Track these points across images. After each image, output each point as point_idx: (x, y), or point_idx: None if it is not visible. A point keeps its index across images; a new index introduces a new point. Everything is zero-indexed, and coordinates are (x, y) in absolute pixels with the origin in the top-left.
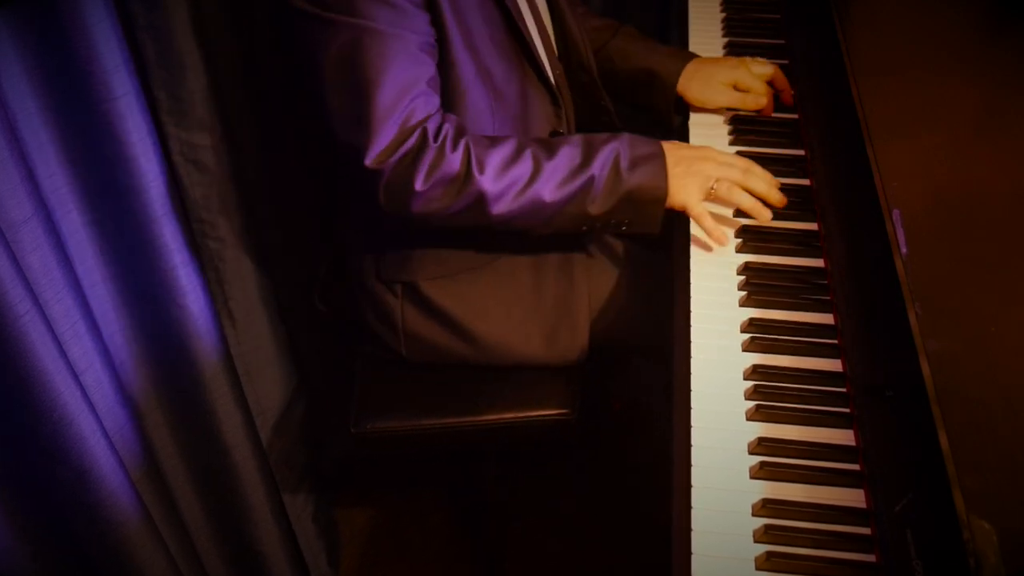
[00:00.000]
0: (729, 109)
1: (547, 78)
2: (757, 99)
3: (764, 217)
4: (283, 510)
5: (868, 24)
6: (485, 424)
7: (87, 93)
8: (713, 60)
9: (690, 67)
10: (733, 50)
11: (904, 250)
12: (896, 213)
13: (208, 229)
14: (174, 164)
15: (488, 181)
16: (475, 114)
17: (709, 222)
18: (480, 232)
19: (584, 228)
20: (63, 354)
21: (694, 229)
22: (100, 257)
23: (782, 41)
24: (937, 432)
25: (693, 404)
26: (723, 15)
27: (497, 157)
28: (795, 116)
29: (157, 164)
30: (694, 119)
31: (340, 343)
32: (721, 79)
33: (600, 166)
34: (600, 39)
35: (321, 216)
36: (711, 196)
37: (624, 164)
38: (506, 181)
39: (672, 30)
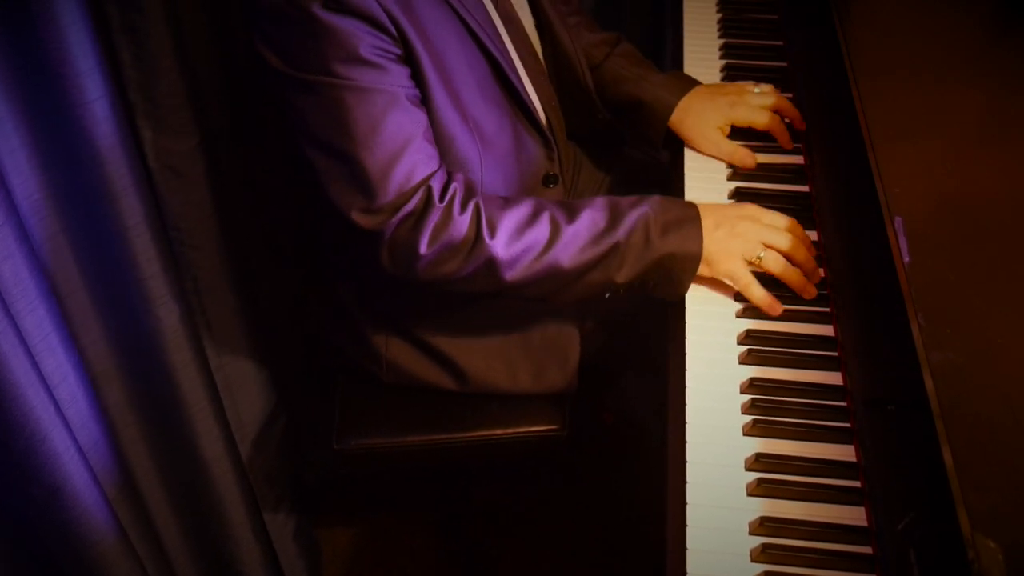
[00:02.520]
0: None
1: (539, 122)
2: (745, 157)
3: (809, 295)
4: (263, 528)
5: (869, 24)
6: (472, 441)
7: (60, 96)
8: (709, 95)
9: (684, 102)
10: (729, 51)
11: (906, 259)
12: (898, 220)
13: (186, 237)
14: (150, 170)
15: (500, 246)
16: (462, 165)
17: (759, 291)
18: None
19: (607, 295)
20: (36, 367)
21: None
22: (74, 266)
23: (780, 42)
24: (941, 447)
25: (688, 418)
26: (719, 15)
27: (511, 220)
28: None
29: (133, 170)
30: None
31: (323, 357)
32: (715, 122)
33: (627, 231)
34: (594, 57)
35: (303, 227)
36: (754, 264)
37: (655, 229)
38: (520, 246)
39: (667, 31)
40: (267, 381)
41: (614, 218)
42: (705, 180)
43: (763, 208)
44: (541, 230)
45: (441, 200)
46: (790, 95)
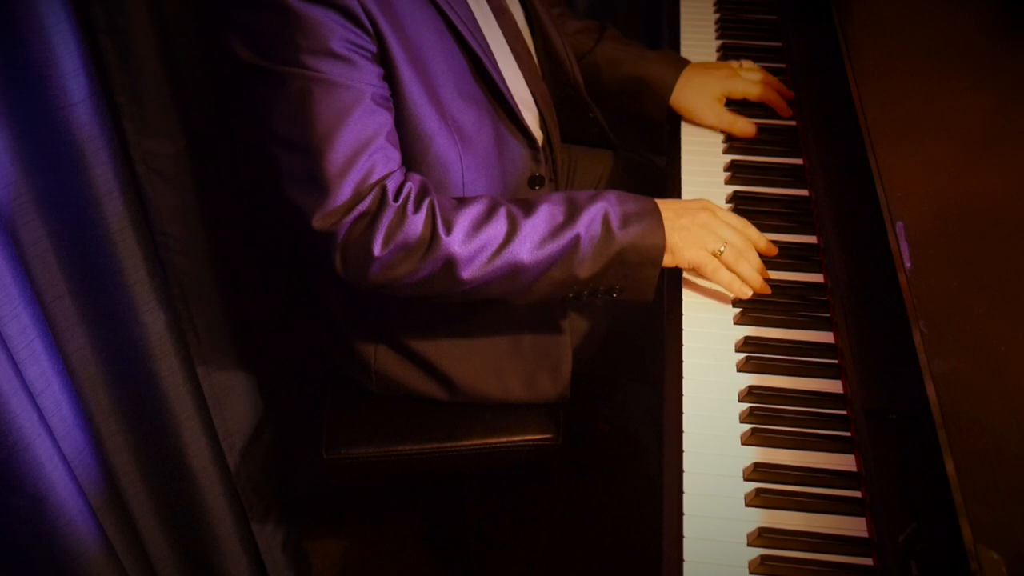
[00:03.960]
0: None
1: (522, 121)
2: (746, 125)
3: (745, 296)
4: (252, 539)
5: (870, 25)
6: (464, 450)
7: (44, 98)
8: (705, 69)
9: (683, 77)
10: (727, 54)
11: (908, 264)
12: (900, 225)
13: (172, 242)
14: (136, 173)
15: (456, 243)
16: (442, 167)
17: (727, 276)
18: (447, 301)
19: (571, 295)
20: (19, 374)
21: None
22: (58, 271)
23: (779, 43)
24: (943, 457)
25: (685, 427)
26: (716, 15)
27: (467, 217)
28: (793, 123)
29: (118, 173)
30: (686, 128)
31: (311, 365)
32: (713, 93)
33: (586, 224)
34: (583, 44)
35: (291, 232)
36: (715, 256)
37: (615, 221)
38: (477, 243)
39: (663, 31)
40: (255, 389)
41: (572, 211)
42: (703, 186)
43: (716, 205)
44: (498, 225)
45: (395, 199)
46: (789, 96)
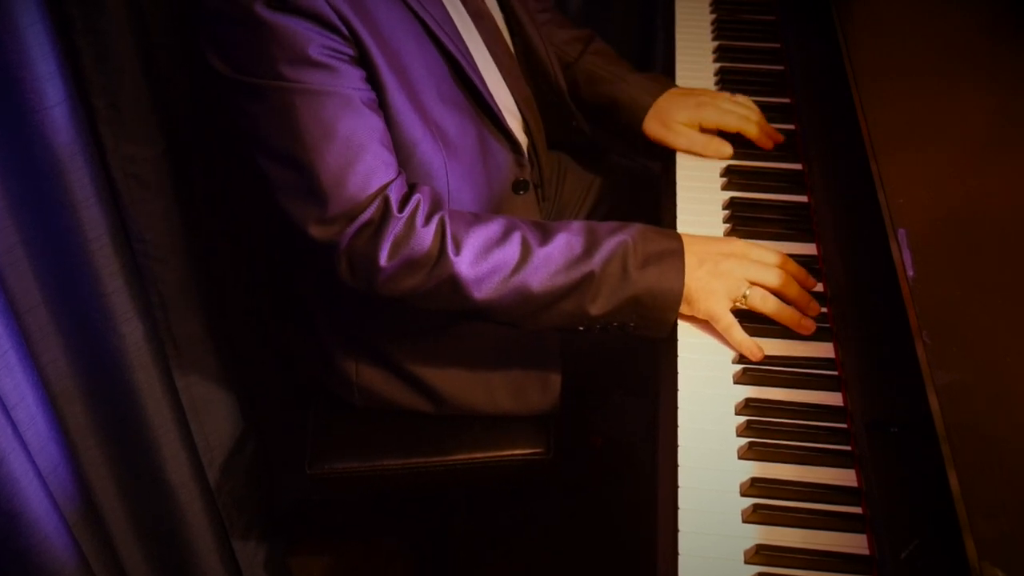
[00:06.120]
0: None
1: (504, 126)
2: (720, 146)
3: (804, 331)
4: (232, 557)
5: (871, 25)
6: (452, 465)
7: (18, 101)
8: (681, 95)
9: (658, 103)
10: (724, 54)
11: (911, 273)
12: (902, 233)
13: (151, 250)
14: (113, 179)
15: (464, 264)
16: (426, 174)
17: (740, 335)
18: (457, 317)
19: (581, 328)
20: None
21: None
22: (33, 280)
23: (777, 44)
24: (947, 472)
25: (680, 441)
26: (713, 16)
27: (478, 238)
28: (792, 127)
29: (95, 179)
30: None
31: (294, 376)
32: (681, 119)
33: (603, 261)
34: (567, 55)
35: (273, 240)
36: (739, 303)
37: (633, 261)
38: (487, 266)
39: (657, 33)
40: (237, 402)
41: (591, 244)
42: (699, 191)
43: (752, 244)
44: (511, 250)
45: (401, 211)
46: (787, 100)
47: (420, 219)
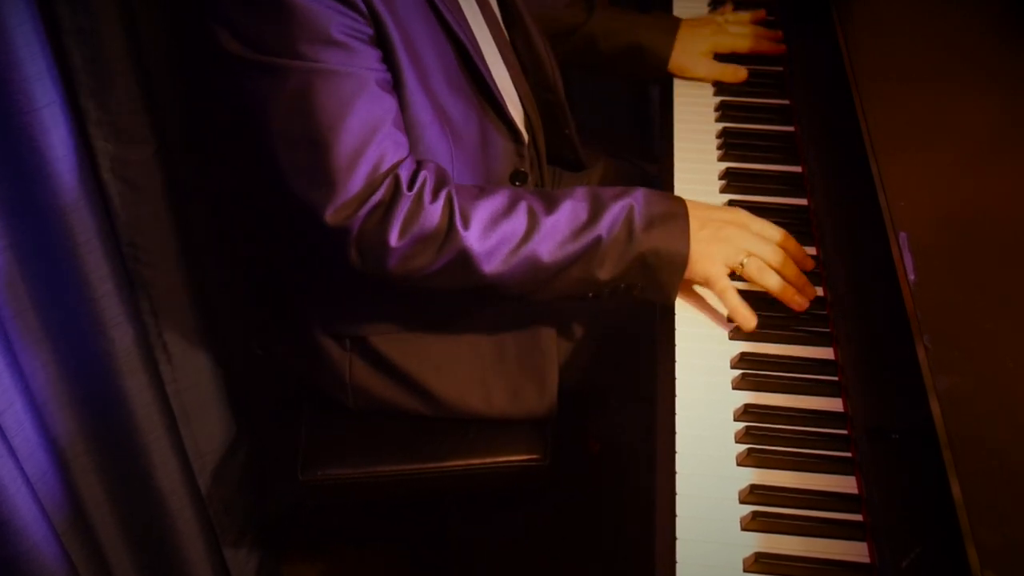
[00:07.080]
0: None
1: (507, 115)
2: (736, 71)
3: (798, 307)
4: (224, 565)
5: (872, 26)
6: (448, 471)
7: (6, 103)
8: (694, 27)
9: (677, 40)
10: (722, 54)
11: (912, 277)
12: (903, 236)
13: (140, 254)
14: (103, 182)
15: (474, 238)
16: (433, 158)
17: (735, 299)
18: (467, 294)
19: (590, 294)
20: None
21: None
22: (22, 285)
23: None
24: (949, 478)
25: (678, 448)
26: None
27: (485, 211)
28: (791, 128)
29: (84, 181)
30: (679, 134)
31: (286, 382)
32: (701, 49)
33: (609, 225)
34: (576, 17)
35: (265, 243)
36: (736, 271)
37: (638, 223)
38: (495, 239)
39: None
40: (228, 408)
41: (596, 210)
42: (696, 194)
43: (755, 216)
44: (518, 221)
45: (410, 188)
46: (787, 101)
47: (428, 195)
